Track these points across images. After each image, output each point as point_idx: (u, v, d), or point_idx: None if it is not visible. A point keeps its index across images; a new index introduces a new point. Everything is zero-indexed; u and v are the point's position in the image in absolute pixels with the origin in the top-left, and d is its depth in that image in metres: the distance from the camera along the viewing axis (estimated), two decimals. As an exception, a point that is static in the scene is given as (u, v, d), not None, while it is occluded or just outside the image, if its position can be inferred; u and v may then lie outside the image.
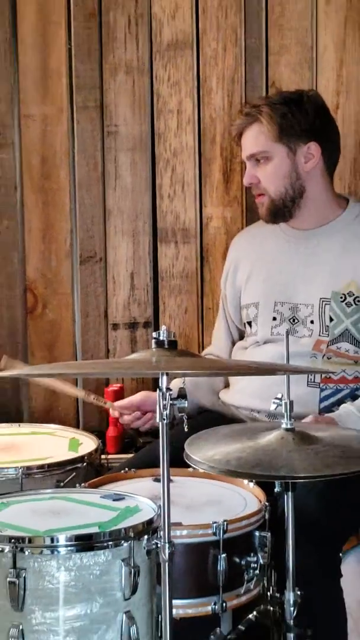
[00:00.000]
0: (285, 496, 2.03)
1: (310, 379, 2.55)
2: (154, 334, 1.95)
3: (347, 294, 2.62)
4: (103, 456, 2.97)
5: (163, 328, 1.94)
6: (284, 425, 2.01)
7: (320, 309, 2.63)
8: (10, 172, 3.44)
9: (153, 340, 1.94)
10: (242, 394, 2.75)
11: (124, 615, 1.83)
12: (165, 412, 1.79)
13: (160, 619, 1.89)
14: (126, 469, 2.54)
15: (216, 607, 2.10)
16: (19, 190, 3.45)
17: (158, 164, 3.48)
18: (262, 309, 2.76)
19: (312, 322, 2.65)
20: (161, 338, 1.92)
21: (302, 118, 2.64)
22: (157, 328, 3.46)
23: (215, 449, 1.97)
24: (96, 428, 3.39)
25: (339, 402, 2.63)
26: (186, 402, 1.85)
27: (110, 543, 1.82)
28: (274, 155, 2.65)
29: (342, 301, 2.62)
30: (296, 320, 2.69)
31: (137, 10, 3.43)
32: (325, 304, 2.63)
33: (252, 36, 3.34)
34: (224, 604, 2.12)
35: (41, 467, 2.56)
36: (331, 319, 2.63)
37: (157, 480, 2.44)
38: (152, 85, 3.46)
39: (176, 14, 3.41)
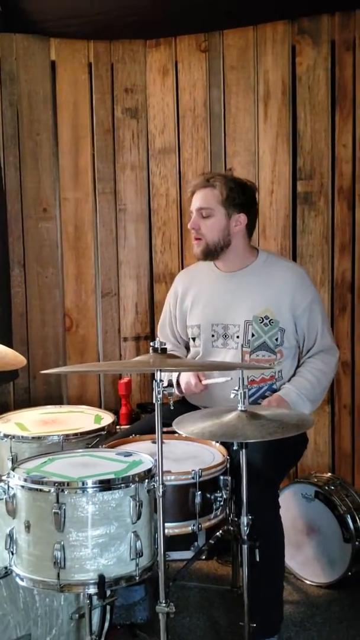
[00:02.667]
0: (241, 453, 2.06)
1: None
2: (151, 344, 2.00)
3: (264, 317, 2.58)
4: (117, 426, 2.98)
5: (157, 340, 1.99)
6: (239, 408, 2.04)
7: (244, 328, 2.59)
8: (53, 236, 3.47)
9: (150, 348, 1.99)
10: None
11: (132, 534, 1.90)
12: (159, 396, 1.85)
13: (156, 536, 1.93)
14: (132, 434, 2.56)
15: (194, 527, 2.16)
16: (59, 248, 3.50)
17: (153, 230, 3.53)
18: (203, 329, 2.69)
19: (237, 337, 2.60)
20: (156, 346, 1.97)
21: (241, 196, 2.59)
22: (153, 339, 3.48)
23: (195, 425, 2.03)
24: (113, 407, 3.40)
25: (262, 396, 2.62)
26: (173, 389, 1.90)
27: (122, 485, 1.89)
28: (216, 213, 2.59)
29: (261, 322, 2.58)
30: (227, 336, 2.64)
31: (138, 128, 3.50)
32: (249, 325, 2.59)
33: (215, 145, 3.40)
34: (200, 525, 2.17)
35: (75, 434, 2.57)
36: (252, 335, 2.59)
37: (153, 442, 2.46)
38: (148, 178, 3.52)
39: (164, 131, 3.49)
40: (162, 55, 3.44)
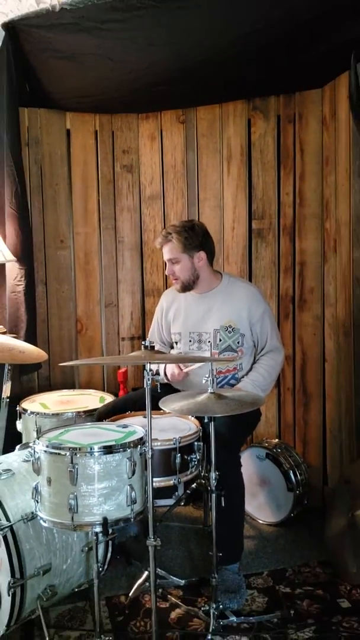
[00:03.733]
0: (210, 425, 2.07)
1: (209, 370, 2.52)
2: (143, 343, 2.00)
3: (228, 326, 2.62)
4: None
5: (147, 340, 1.99)
6: (209, 390, 2.05)
7: (213, 335, 2.63)
8: (68, 261, 3.46)
9: (142, 346, 1.99)
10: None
11: (128, 487, 1.92)
12: (149, 382, 1.85)
13: (147, 488, 1.93)
14: (125, 404, 2.60)
15: (175, 481, 2.19)
16: (72, 270, 3.48)
17: (144, 257, 3.54)
18: (183, 335, 2.72)
19: (209, 342, 2.63)
20: (146, 344, 1.97)
21: (195, 238, 2.60)
22: (144, 339, 3.47)
23: (176, 404, 2.04)
24: (113, 390, 3.39)
25: (227, 383, 2.66)
26: (160, 376, 1.90)
27: (121, 450, 1.92)
28: (181, 260, 2.61)
29: (225, 330, 2.62)
30: (201, 341, 2.67)
31: (133, 180, 3.50)
32: (217, 332, 2.63)
33: (190, 193, 3.40)
34: (179, 479, 2.20)
35: (85, 411, 2.58)
36: (220, 340, 2.62)
37: (144, 417, 2.45)
38: (140, 218, 3.51)
39: (152, 182, 3.49)
40: (151, 125, 3.45)
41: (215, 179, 3.32)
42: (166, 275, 3.45)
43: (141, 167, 3.48)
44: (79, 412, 2.56)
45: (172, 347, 2.87)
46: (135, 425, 2.16)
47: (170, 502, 2.58)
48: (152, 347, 1.98)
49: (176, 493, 2.62)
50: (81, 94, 3.13)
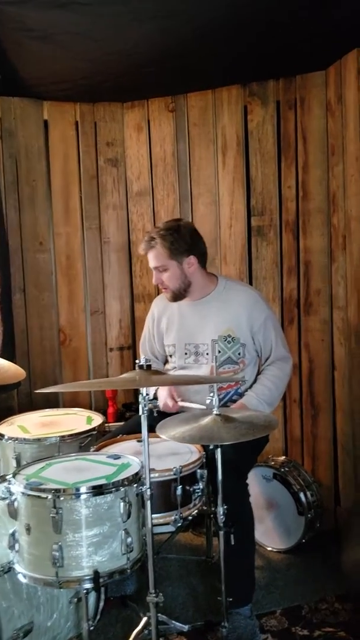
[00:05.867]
0: (216, 452, 1.82)
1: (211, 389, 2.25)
2: (137, 361, 1.72)
3: (227, 336, 2.39)
4: (106, 424, 2.72)
5: (142, 357, 1.72)
6: (214, 412, 1.80)
7: (212, 346, 2.40)
8: (48, 265, 3.22)
9: (137, 365, 1.72)
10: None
11: (123, 532, 1.67)
12: (145, 408, 1.58)
13: (145, 530, 1.66)
14: (120, 434, 2.34)
15: (177, 516, 1.96)
16: (54, 275, 3.23)
17: (133, 258, 3.28)
18: (177, 348, 2.49)
19: (207, 354, 2.41)
20: (141, 363, 1.70)
21: (183, 241, 2.34)
22: (135, 350, 3.25)
23: (175, 430, 1.79)
24: (101, 407, 3.15)
25: (230, 400, 2.42)
26: (157, 401, 1.63)
27: (113, 489, 1.67)
28: (169, 267, 2.36)
29: (225, 340, 2.39)
30: (198, 353, 2.44)
31: (118, 175, 3.26)
32: (215, 343, 2.40)
33: (182, 188, 3.18)
34: (181, 514, 1.97)
35: (70, 435, 2.33)
36: (219, 351, 2.39)
37: (138, 441, 2.21)
38: (128, 216, 3.27)
39: (140, 177, 3.25)
40: (137, 115, 3.20)
41: (210, 172, 3.08)
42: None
43: (127, 161, 3.24)
44: (63, 436, 2.29)
45: (166, 361, 2.61)
46: (129, 455, 1.89)
47: (169, 528, 2.33)
48: (149, 367, 1.71)
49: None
50: (59, 80, 2.87)
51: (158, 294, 3.22)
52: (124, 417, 3.08)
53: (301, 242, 2.93)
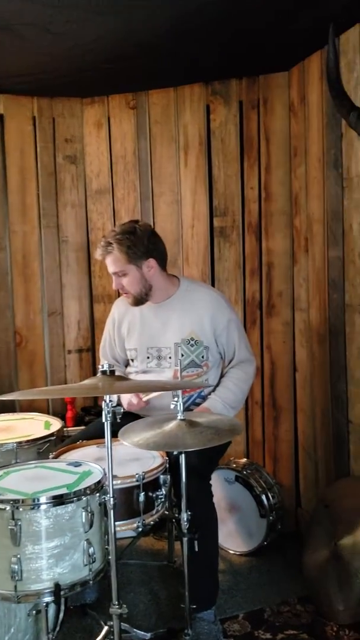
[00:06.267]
0: (180, 457, 1.80)
1: (175, 392, 2.20)
2: (99, 366, 1.67)
3: (190, 339, 2.35)
4: (65, 429, 2.65)
5: (105, 363, 1.67)
6: (179, 417, 1.76)
7: (174, 349, 2.36)
8: (4, 264, 3.13)
9: (99, 371, 1.66)
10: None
11: (85, 542, 1.61)
12: (109, 415, 1.53)
13: (107, 538, 1.62)
14: (79, 440, 2.28)
15: (139, 524, 1.91)
16: (9, 275, 3.14)
17: (92, 258, 3.21)
18: (139, 352, 2.44)
19: (170, 357, 2.37)
20: (104, 369, 1.65)
21: (140, 244, 2.28)
22: (95, 352, 3.18)
23: (140, 435, 1.76)
24: (60, 411, 3.07)
25: (193, 403, 2.38)
26: (122, 408, 1.58)
27: (75, 499, 1.62)
28: (128, 272, 2.30)
29: (187, 343, 2.35)
30: (161, 357, 2.39)
31: (77, 172, 3.19)
32: (177, 346, 2.36)
33: (143, 186, 3.13)
34: (144, 521, 1.91)
35: (28, 441, 2.25)
36: (182, 355, 2.35)
37: (99, 447, 2.16)
38: (86, 215, 3.20)
39: (99, 175, 3.19)
40: (97, 111, 3.14)
41: (172, 170, 3.04)
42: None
43: (86, 158, 3.17)
44: (20, 442, 2.21)
45: (127, 365, 2.56)
46: (90, 463, 1.83)
47: (130, 534, 2.29)
48: (112, 372, 1.65)
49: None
50: (17, 72, 2.78)
51: (119, 296, 3.17)
52: (84, 421, 3.01)
53: (264, 243, 2.93)
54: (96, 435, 2.25)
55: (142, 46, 2.52)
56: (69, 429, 2.87)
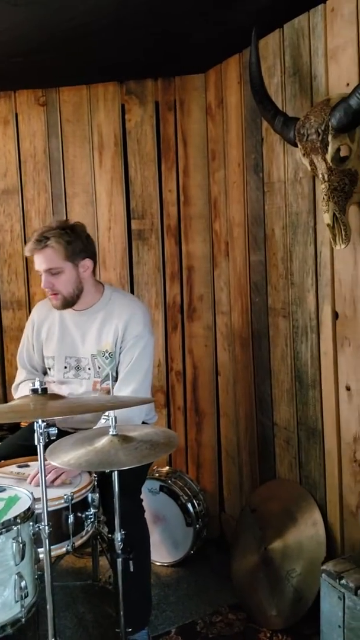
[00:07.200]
0: (113, 475, 1.70)
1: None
2: (31, 384, 1.53)
3: (105, 351, 2.22)
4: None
5: (37, 380, 1.53)
6: (111, 432, 1.67)
7: (92, 361, 2.25)
8: None
9: (30, 389, 1.53)
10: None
11: (16, 575, 1.45)
12: (42, 437, 1.41)
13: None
14: None
15: (69, 547, 1.78)
16: None
17: (0, 262, 2.98)
18: (57, 360, 2.31)
19: (89, 369, 2.25)
20: (35, 387, 1.52)
21: (80, 241, 2.18)
22: (4, 362, 2.99)
23: (69, 454, 1.63)
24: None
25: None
26: (55, 429, 1.47)
27: (4, 530, 1.44)
28: (64, 270, 2.16)
29: (103, 356, 2.23)
30: (79, 368, 2.27)
31: (-17, 170, 2.95)
32: (94, 358, 2.24)
33: (55, 187, 2.97)
34: (73, 544, 1.80)
35: None
36: (99, 367, 2.24)
37: (19, 466, 2.01)
38: (-6, 216, 2.99)
39: (7, 174, 3.01)
40: (3, 107, 2.94)
41: (85, 171, 2.93)
42: (29, 285, 3.01)
43: (-8, 156, 2.98)
44: None
45: (45, 373, 2.42)
46: (15, 487, 1.69)
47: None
48: (45, 391, 1.52)
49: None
50: None
51: (29, 301, 3.00)
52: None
53: (183, 247, 2.90)
54: (12, 453, 2.10)
55: (54, 40, 2.39)
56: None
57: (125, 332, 2.21)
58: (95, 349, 2.24)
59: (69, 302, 2.23)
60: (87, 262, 2.21)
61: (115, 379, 2.19)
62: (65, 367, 2.29)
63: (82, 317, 2.28)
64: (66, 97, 2.92)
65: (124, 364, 2.20)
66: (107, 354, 2.23)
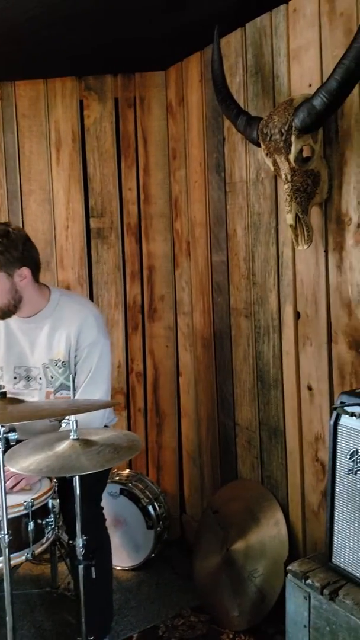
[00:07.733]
0: (74, 480, 1.66)
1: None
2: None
3: (57, 360, 2.12)
4: None
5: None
6: (72, 437, 1.62)
7: (43, 370, 2.15)
8: None
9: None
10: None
11: None
12: (1, 442, 1.36)
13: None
14: None
15: (29, 556, 1.72)
16: None
17: None
18: (5, 371, 2.20)
19: (40, 379, 2.15)
20: (-5, 391, 1.47)
21: (14, 250, 2.02)
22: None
23: (29, 460, 1.58)
24: None
25: None
26: (16, 434, 1.41)
27: None
28: None
29: (55, 365, 2.13)
30: (30, 378, 2.17)
31: None
32: (46, 367, 2.14)
33: (11, 183, 2.89)
34: (33, 553, 1.74)
35: None
36: (52, 377, 2.14)
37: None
38: None
39: None
40: None
41: (42, 168, 2.86)
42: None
43: None
44: None
45: None
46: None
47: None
48: (4, 395, 1.47)
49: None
50: None
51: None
52: None
53: (144, 246, 2.87)
54: None
55: (8, 32, 2.31)
56: None
57: (79, 341, 2.11)
58: (46, 358, 2.14)
59: (5, 313, 2.11)
60: (24, 271, 2.07)
61: (66, 386, 2.13)
62: (15, 378, 2.18)
63: (29, 325, 2.16)
64: (22, 92, 2.84)
65: (83, 374, 2.12)
66: (59, 363, 2.13)
